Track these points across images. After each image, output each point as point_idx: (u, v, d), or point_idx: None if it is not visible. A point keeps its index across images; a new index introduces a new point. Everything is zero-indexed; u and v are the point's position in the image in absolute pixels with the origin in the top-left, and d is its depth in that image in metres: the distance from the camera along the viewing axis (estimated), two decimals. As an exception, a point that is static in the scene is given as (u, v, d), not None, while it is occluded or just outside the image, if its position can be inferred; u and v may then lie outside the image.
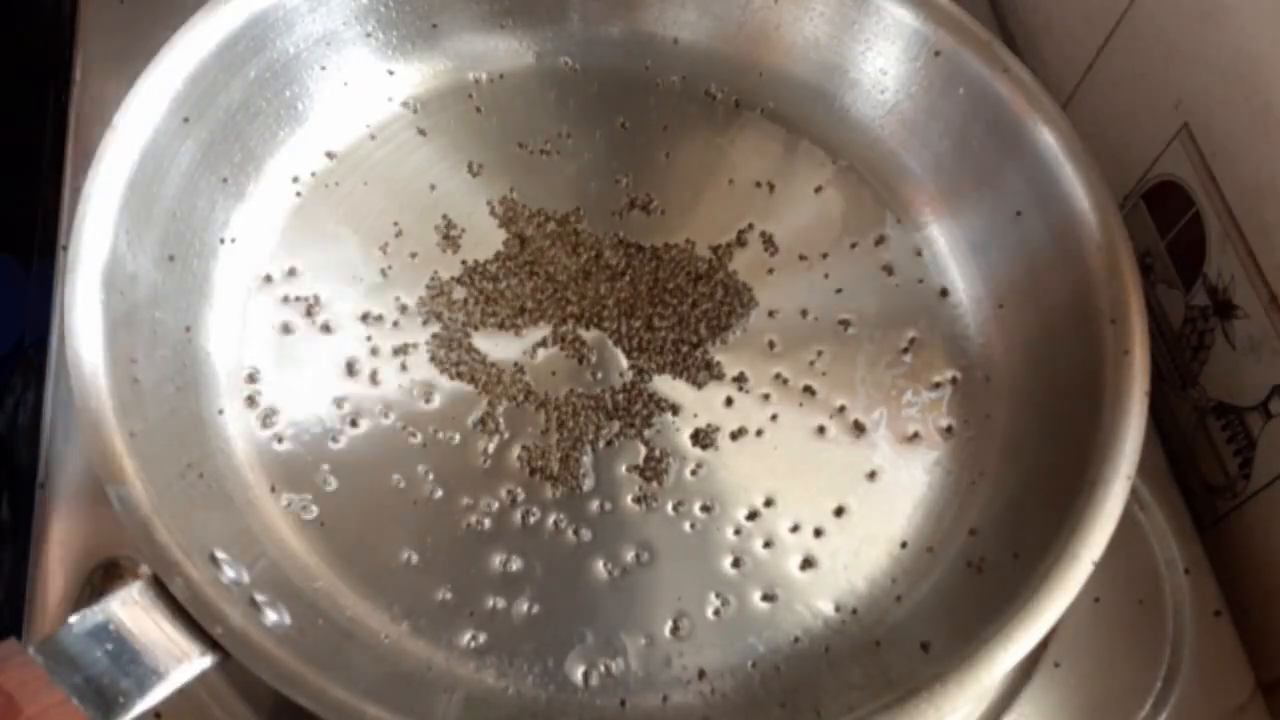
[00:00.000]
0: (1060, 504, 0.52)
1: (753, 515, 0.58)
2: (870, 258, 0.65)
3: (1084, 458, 0.53)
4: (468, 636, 0.53)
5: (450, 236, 0.64)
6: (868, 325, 0.63)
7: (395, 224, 0.64)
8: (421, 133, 0.67)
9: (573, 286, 0.63)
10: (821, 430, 0.60)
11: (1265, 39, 0.57)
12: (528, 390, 0.60)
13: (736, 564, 0.56)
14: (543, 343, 0.62)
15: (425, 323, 0.61)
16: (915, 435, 0.60)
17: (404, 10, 0.67)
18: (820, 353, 0.62)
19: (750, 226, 0.66)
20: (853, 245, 0.66)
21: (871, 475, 0.59)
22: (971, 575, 0.55)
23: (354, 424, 0.58)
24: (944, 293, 0.65)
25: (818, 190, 0.68)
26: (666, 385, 0.61)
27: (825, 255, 0.65)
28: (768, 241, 0.66)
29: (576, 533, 0.57)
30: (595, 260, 0.64)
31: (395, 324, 0.61)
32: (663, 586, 0.56)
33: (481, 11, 0.69)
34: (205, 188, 0.60)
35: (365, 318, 0.61)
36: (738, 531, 0.57)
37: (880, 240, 0.66)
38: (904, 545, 0.57)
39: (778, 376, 0.62)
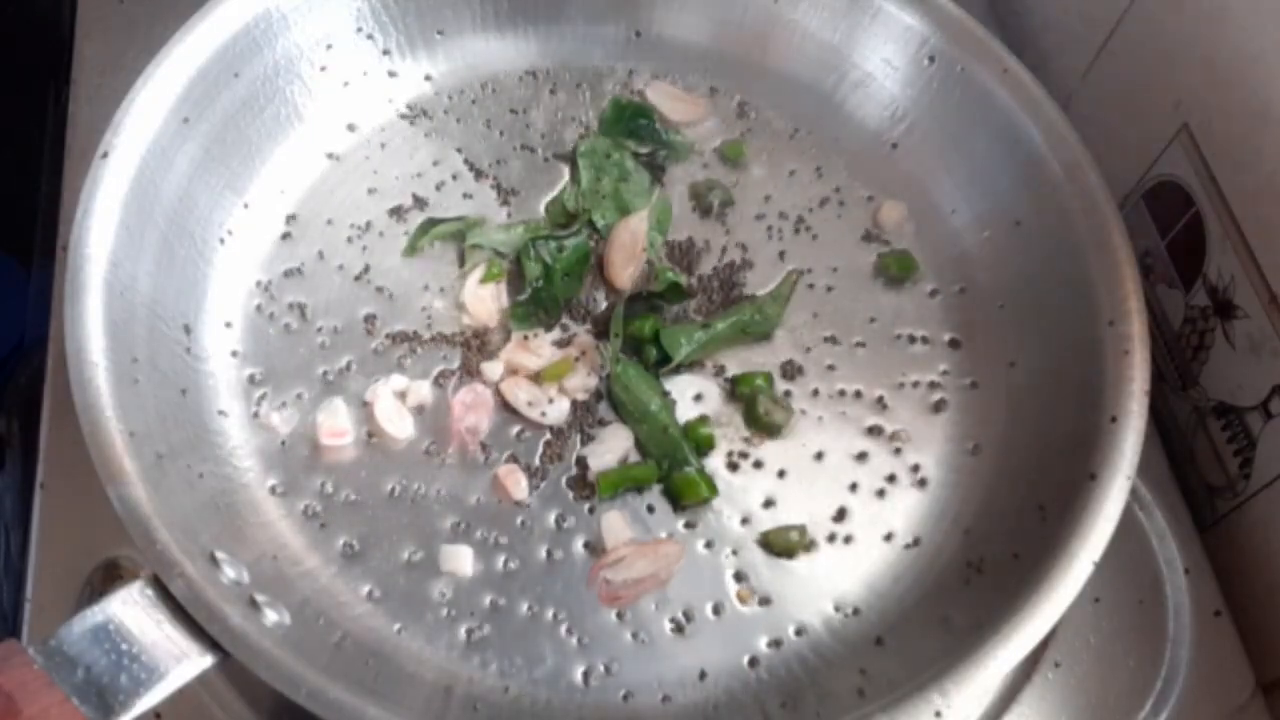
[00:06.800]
0: (1060, 504, 0.52)
1: (751, 518, 0.58)
2: (872, 261, 0.65)
3: (1084, 457, 0.53)
4: (468, 635, 0.54)
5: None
6: (867, 332, 0.63)
7: (396, 225, 0.64)
8: (423, 135, 0.67)
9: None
10: (821, 430, 0.60)
11: (1265, 39, 0.57)
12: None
13: (737, 565, 0.56)
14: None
15: (426, 324, 0.61)
16: (916, 435, 0.60)
17: (405, 13, 0.66)
18: (823, 358, 0.62)
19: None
20: (855, 250, 0.66)
21: (872, 477, 0.59)
22: (971, 575, 0.55)
23: (354, 424, 0.58)
24: (934, 294, 0.65)
25: (823, 203, 0.67)
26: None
27: (834, 269, 0.65)
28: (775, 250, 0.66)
29: (577, 532, 0.57)
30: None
31: (395, 326, 0.61)
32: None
33: (483, 15, 0.69)
34: (205, 188, 0.60)
35: (366, 319, 0.61)
36: (738, 532, 0.57)
37: (883, 243, 0.66)
38: (904, 545, 0.57)
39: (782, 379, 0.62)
